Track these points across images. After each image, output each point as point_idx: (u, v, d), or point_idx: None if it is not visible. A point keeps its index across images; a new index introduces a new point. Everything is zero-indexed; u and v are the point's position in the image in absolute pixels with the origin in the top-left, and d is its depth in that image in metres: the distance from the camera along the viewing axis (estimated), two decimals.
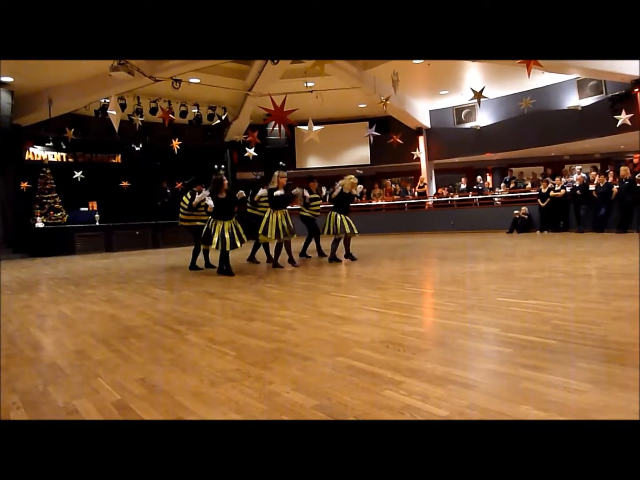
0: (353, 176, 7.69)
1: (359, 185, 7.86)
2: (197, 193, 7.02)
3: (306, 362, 2.45)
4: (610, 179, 11.91)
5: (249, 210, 7.97)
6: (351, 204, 8.00)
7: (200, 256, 7.44)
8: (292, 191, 7.41)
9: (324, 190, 8.03)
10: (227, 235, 6.26)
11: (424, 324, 3.32)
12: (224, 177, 6.57)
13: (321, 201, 8.50)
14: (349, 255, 7.73)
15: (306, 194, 8.09)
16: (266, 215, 6.87)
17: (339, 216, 7.36)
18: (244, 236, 6.54)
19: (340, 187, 7.45)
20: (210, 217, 6.49)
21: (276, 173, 6.89)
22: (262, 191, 7.21)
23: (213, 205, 6.34)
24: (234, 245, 6.31)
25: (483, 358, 2.43)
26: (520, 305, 3.56)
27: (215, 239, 6.25)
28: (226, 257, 6.49)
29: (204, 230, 6.50)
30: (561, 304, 3.56)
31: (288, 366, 2.41)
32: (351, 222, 7.47)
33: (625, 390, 1.85)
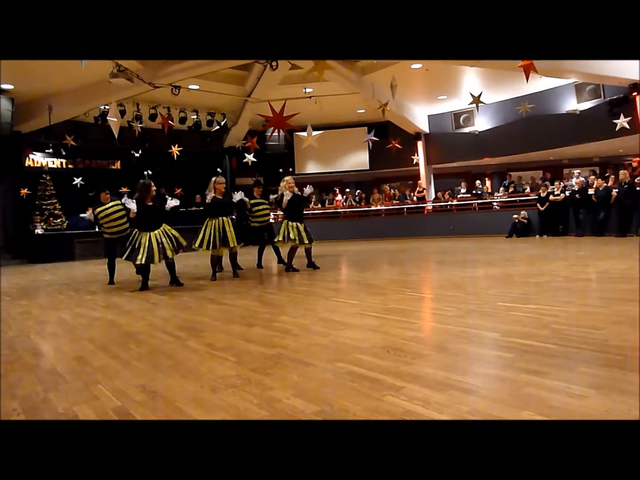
0: (289, 177, 7.19)
1: (307, 188, 7.18)
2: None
3: (306, 368, 2.44)
4: (610, 183, 11.94)
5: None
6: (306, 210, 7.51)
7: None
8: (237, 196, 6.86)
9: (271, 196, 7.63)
10: (155, 247, 5.72)
11: (424, 329, 3.31)
12: (151, 182, 5.96)
13: (268, 207, 8.06)
14: (311, 264, 7.29)
15: (245, 199, 7.36)
16: (204, 225, 6.51)
17: (290, 224, 6.90)
18: (175, 245, 5.95)
19: (281, 193, 7.01)
20: (135, 229, 5.91)
21: (213, 179, 6.58)
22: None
23: (135, 210, 5.76)
24: (165, 257, 5.81)
25: (484, 363, 2.43)
26: (521, 310, 3.55)
27: (140, 254, 5.64)
28: (146, 271, 5.93)
29: (127, 243, 5.87)
30: (561, 308, 3.56)
31: (288, 372, 2.40)
32: (302, 231, 6.94)
33: (627, 395, 1.84)
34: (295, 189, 7.04)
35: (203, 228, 6.49)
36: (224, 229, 6.41)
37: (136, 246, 5.77)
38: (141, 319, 4.07)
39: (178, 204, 6.12)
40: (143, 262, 5.70)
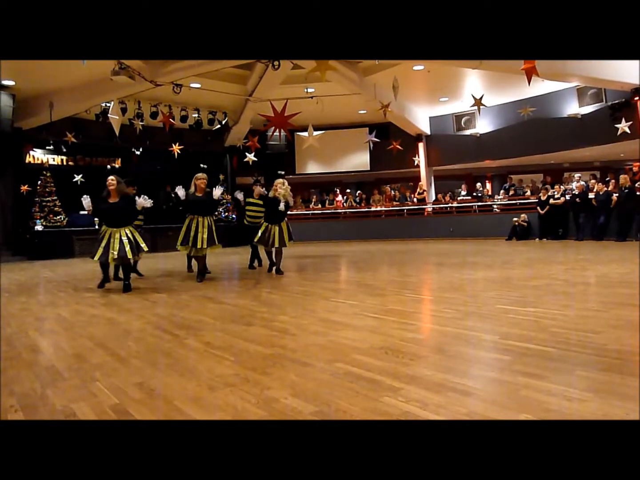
0: (280, 180, 6.83)
1: (281, 204, 6.69)
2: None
3: (305, 368, 2.45)
4: (610, 187, 11.94)
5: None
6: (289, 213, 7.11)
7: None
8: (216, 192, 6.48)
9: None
10: (110, 245, 5.50)
11: (423, 331, 3.31)
12: (113, 178, 5.65)
13: (261, 212, 7.45)
14: (270, 269, 7.04)
15: (239, 196, 7.18)
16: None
17: (268, 227, 6.77)
18: (143, 245, 5.77)
19: (266, 193, 6.86)
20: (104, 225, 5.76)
21: (196, 175, 6.31)
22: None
23: (88, 205, 5.66)
24: (131, 254, 5.61)
25: (482, 365, 2.43)
26: (519, 313, 3.56)
27: (99, 250, 5.53)
28: (105, 267, 5.80)
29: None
30: (560, 311, 3.56)
31: (286, 372, 2.40)
32: (277, 233, 6.71)
33: (625, 400, 1.84)
34: (284, 194, 6.64)
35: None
36: (196, 228, 6.13)
37: (98, 240, 5.67)
38: (140, 317, 4.06)
39: (150, 205, 5.88)
40: (96, 259, 5.63)
